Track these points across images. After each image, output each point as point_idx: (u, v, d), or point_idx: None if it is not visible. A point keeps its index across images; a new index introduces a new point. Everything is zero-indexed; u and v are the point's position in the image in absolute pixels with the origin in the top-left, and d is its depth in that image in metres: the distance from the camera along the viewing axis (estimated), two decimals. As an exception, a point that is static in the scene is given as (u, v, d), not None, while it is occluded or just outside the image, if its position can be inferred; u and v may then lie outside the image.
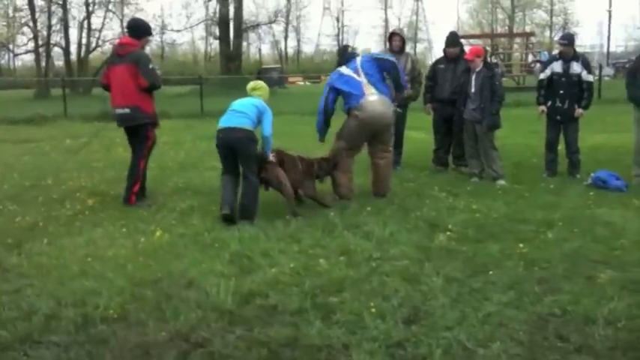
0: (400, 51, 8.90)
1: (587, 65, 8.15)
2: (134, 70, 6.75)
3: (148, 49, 7.19)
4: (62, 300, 4.20)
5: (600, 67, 26.92)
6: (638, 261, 4.86)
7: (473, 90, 7.86)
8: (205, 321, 3.87)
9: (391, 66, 7.04)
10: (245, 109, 6.24)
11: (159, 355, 3.45)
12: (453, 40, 8.85)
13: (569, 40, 8.29)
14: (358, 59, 6.99)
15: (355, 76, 6.84)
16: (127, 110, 6.86)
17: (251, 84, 6.59)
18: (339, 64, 7.11)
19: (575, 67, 8.03)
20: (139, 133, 6.98)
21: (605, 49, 60.09)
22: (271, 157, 6.34)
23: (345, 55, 7.26)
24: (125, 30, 7.12)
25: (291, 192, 6.34)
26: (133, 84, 6.78)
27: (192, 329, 3.76)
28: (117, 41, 7.32)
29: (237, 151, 6.16)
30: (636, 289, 4.29)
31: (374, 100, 6.74)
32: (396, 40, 8.92)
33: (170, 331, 3.73)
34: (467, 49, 9.11)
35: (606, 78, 30.78)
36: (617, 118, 14.25)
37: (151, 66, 6.88)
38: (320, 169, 6.86)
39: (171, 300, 4.21)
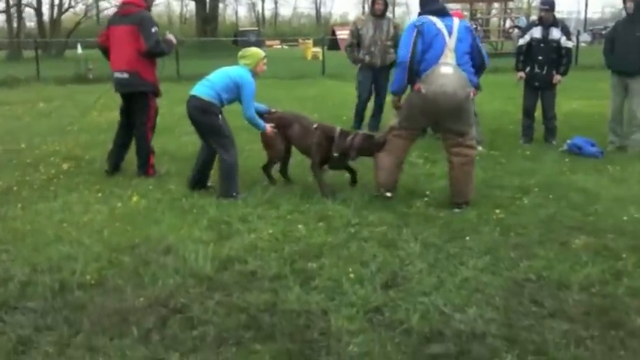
0: (382, 15, 8.82)
1: (566, 31, 8.15)
2: (135, 32, 6.20)
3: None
4: (38, 266, 4.17)
5: (578, 34, 26.98)
6: (612, 227, 4.94)
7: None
8: (184, 287, 3.87)
9: (480, 58, 5.41)
10: (215, 77, 5.77)
11: (137, 321, 3.44)
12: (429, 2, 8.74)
13: (550, 5, 8.24)
14: (456, 20, 5.32)
15: (445, 34, 5.18)
16: (125, 75, 6.33)
17: (240, 51, 5.94)
18: (433, 13, 5.33)
19: (555, 33, 8.03)
20: (139, 101, 6.44)
21: (581, 16, 60.18)
22: (268, 127, 5.90)
23: (437, 4, 5.46)
24: None
25: (271, 157, 6.19)
26: (133, 47, 6.23)
27: (170, 295, 3.75)
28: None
29: (192, 121, 5.84)
30: (610, 255, 4.36)
31: (446, 72, 5.13)
32: (379, 3, 8.80)
33: (148, 297, 3.72)
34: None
35: (583, 44, 30.88)
36: (593, 84, 14.36)
37: (153, 29, 6.21)
38: (344, 143, 5.68)
39: (149, 266, 4.19)
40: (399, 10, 72.54)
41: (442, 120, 5.39)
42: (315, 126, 5.93)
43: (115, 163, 6.67)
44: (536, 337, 3.27)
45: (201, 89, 5.72)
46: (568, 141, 7.84)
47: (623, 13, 8.04)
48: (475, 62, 5.35)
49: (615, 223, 5.04)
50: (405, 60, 5.27)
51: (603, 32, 49.91)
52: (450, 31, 5.19)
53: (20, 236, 4.79)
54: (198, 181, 6.03)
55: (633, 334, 3.29)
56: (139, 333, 3.32)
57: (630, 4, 7.54)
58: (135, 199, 5.71)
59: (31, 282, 3.94)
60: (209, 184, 6.09)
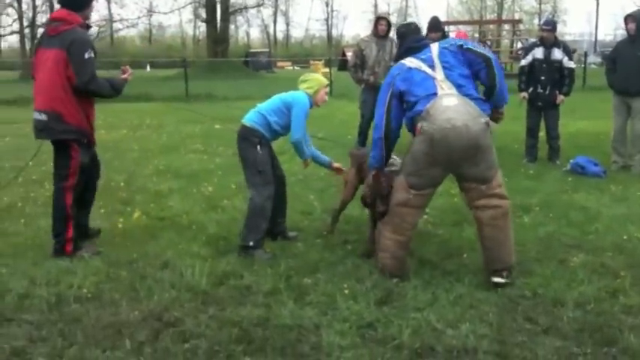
0: (385, 35, 8.93)
1: (568, 52, 8.20)
2: (64, 59, 4.59)
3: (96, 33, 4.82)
4: (36, 279, 4.21)
5: (586, 55, 27.02)
6: (610, 245, 4.93)
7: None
8: (179, 301, 3.90)
9: (485, 65, 4.20)
10: (266, 102, 4.92)
11: (131, 333, 3.46)
12: (434, 24, 8.84)
13: (552, 26, 8.36)
14: (435, 47, 4.31)
15: (429, 70, 4.18)
16: (42, 117, 4.70)
17: (302, 76, 5.11)
18: (404, 54, 4.45)
19: (557, 54, 8.08)
20: (59, 151, 4.82)
21: (593, 38, 60.37)
22: (308, 160, 5.05)
23: (410, 38, 4.56)
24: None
25: (343, 199, 5.26)
26: (57, 79, 4.63)
27: (165, 309, 3.78)
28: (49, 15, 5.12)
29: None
30: (606, 273, 4.35)
31: (451, 104, 4.02)
32: (382, 24, 8.94)
33: (143, 311, 3.75)
34: (452, 34, 9.12)
35: (593, 66, 30.92)
36: (601, 105, 14.28)
37: (86, 55, 4.60)
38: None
39: (146, 280, 4.22)
40: (409, 32, 72.85)
41: (457, 165, 4.12)
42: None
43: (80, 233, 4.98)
44: (527, 353, 3.26)
45: (248, 115, 4.90)
46: (571, 160, 7.84)
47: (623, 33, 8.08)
48: (482, 80, 4.25)
49: (614, 241, 5.02)
50: (380, 127, 4.30)
51: (613, 54, 50.13)
52: (431, 63, 4.20)
53: (21, 251, 4.86)
54: (274, 233, 5.12)
55: (625, 352, 3.27)
56: (132, 346, 3.35)
57: (632, 25, 7.57)
58: (136, 215, 5.76)
59: (28, 295, 3.99)
60: (291, 234, 5.20)
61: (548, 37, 8.12)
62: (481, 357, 3.23)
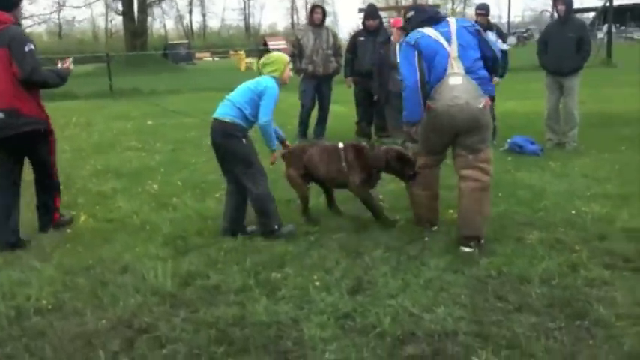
0: (321, 24, 8.89)
1: (501, 35, 8.43)
2: (7, 56, 4.75)
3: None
4: (-11, 293, 3.97)
5: (506, 37, 27.92)
6: (561, 221, 5.10)
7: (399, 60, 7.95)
8: (146, 306, 3.76)
9: (492, 57, 4.70)
10: (235, 93, 4.93)
11: (102, 343, 3.32)
12: (372, 12, 8.89)
13: (485, 10, 8.56)
14: (453, 22, 4.64)
15: (444, 43, 4.53)
16: (0, 115, 4.79)
17: (262, 58, 5.12)
18: (424, 22, 4.66)
19: (490, 37, 8.24)
20: (36, 142, 5.03)
21: (503, 20, 62.27)
22: (277, 153, 5.22)
23: (426, 12, 4.82)
24: None
25: (301, 196, 5.40)
26: (5, 76, 4.76)
27: (133, 315, 3.64)
28: None
29: (215, 148, 4.99)
30: (563, 248, 4.50)
31: (456, 83, 4.48)
32: (317, 12, 8.92)
33: (111, 319, 3.60)
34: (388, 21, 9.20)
35: (508, 47, 31.93)
36: (524, 85, 14.86)
37: (27, 48, 4.76)
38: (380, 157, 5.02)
39: (107, 286, 4.06)
40: (327, 20, 73.17)
41: (456, 135, 4.61)
42: (341, 146, 5.22)
43: (14, 241, 4.95)
44: (506, 331, 3.32)
45: (222, 110, 4.88)
46: (508, 140, 8.07)
47: (546, 15, 8.37)
48: (487, 63, 4.64)
49: (564, 217, 5.20)
50: (414, 82, 4.55)
51: (525, 35, 51.96)
52: (448, 37, 4.53)
53: (-35, 264, 4.57)
54: (235, 232, 5.00)
55: (597, 323, 3.39)
56: (106, 356, 3.21)
57: (562, 7, 7.84)
58: (83, 218, 5.54)
59: (-17, 311, 3.76)
60: (249, 228, 5.09)
61: (482, 20, 8.31)
62: (462, 339, 3.27)
